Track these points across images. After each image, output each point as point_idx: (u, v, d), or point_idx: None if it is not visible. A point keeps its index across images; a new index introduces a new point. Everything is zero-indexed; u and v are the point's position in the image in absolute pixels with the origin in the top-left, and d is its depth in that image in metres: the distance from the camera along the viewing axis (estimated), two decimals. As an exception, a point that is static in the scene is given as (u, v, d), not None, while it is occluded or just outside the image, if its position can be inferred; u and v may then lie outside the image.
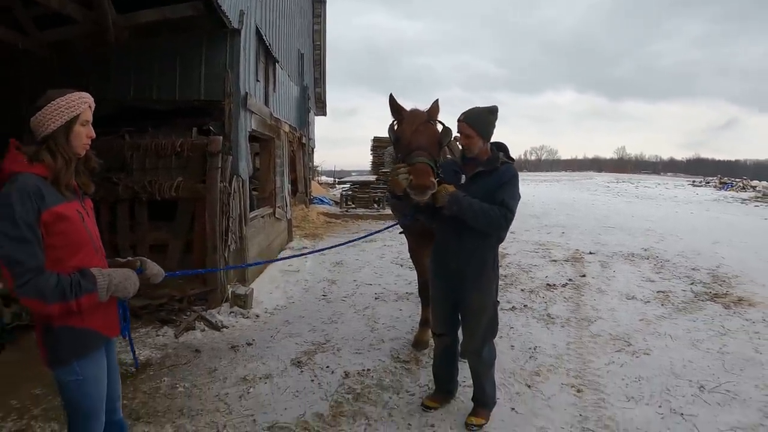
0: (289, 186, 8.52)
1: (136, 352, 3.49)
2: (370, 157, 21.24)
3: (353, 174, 30.54)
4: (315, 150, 12.92)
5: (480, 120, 2.81)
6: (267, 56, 6.33)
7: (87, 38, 4.23)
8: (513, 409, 3.09)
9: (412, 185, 2.65)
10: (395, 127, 3.09)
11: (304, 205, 11.54)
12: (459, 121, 2.82)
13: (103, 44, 4.01)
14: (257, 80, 5.66)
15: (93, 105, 1.79)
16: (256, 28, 5.59)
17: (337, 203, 14.33)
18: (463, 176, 2.85)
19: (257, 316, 4.69)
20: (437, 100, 3.09)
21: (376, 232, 4.13)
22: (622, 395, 3.24)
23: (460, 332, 3.04)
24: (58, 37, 4.58)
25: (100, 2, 3.71)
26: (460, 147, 2.95)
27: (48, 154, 1.66)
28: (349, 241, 4.05)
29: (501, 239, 2.94)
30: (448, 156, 3.56)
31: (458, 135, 2.86)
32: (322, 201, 14.11)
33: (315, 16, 12.24)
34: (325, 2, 12.81)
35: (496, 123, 2.84)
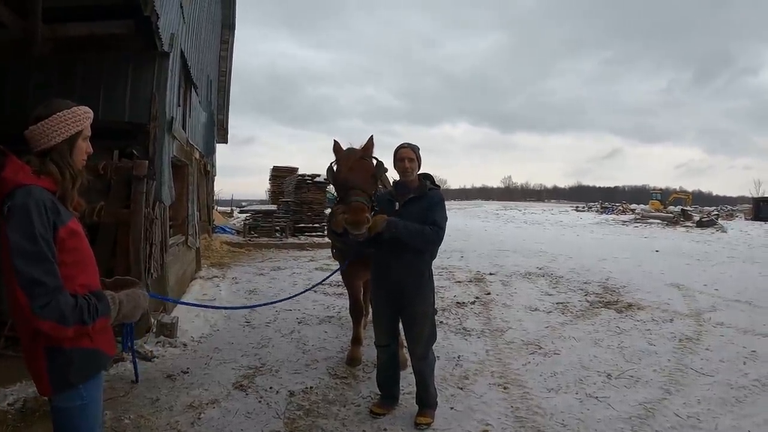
0: (198, 214, 8.25)
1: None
2: (269, 186, 21.12)
3: (244, 204, 29.67)
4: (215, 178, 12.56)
5: (418, 149, 3.28)
6: (187, 81, 6.23)
7: (8, 48, 3.86)
8: (452, 408, 3.42)
9: (348, 221, 2.97)
10: (334, 168, 3.38)
11: (207, 234, 11.11)
12: (403, 147, 3.24)
13: (24, 56, 3.71)
14: (178, 105, 5.56)
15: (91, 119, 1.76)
16: (181, 52, 5.52)
17: (239, 232, 13.96)
18: (397, 204, 3.23)
19: (185, 344, 4.52)
20: (372, 136, 3.44)
21: (328, 277, 4.34)
22: (543, 388, 3.75)
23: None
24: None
25: (34, 10, 3.46)
26: (399, 172, 3.29)
27: (55, 168, 1.60)
28: (310, 288, 4.23)
29: (433, 256, 3.32)
30: (380, 188, 3.89)
31: (401, 160, 3.22)
32: (224, 230, 13.67)
33: (222, 42, 12.14)
34: (234, 29, 12.77)
35: None
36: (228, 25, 12.60)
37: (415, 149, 3.25)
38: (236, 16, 12.96)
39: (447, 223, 3.18)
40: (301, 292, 3.71)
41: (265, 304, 4.50)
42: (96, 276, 1.73)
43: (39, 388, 1.65)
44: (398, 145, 3.29)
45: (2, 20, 3.48)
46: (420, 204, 3.16)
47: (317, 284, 4.37)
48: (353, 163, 3.26)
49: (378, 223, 3.00)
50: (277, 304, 5.99)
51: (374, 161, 3.37)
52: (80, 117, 1.69)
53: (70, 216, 1.63)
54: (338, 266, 4.18)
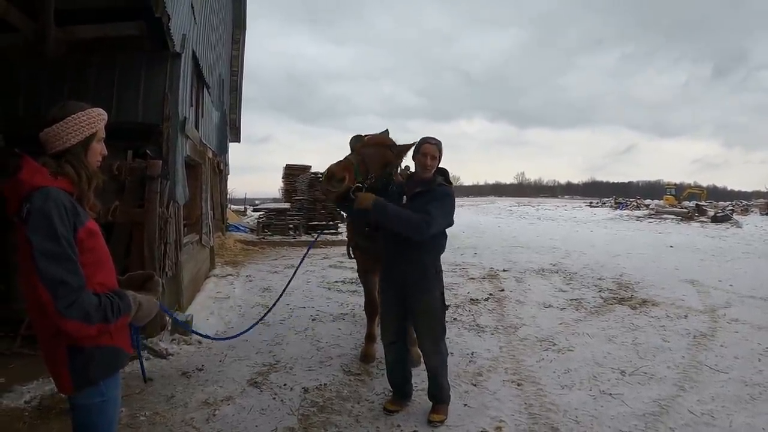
0: (212, 213, 8.33)
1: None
2: (282, 185, 21.20)
3: (257, 202, 29.83)
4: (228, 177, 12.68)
5: (441, 146, 3.20)
6: (199, 80, 6.29)
7: (22, 50, 3.91)
8: (465, 404, 3.42)
9: (326, 171, 3.13)
10: (362, 137, 3.43)
11: (221, 232, 11.22)
12: (429, 143, 3.15)
13: (37, 57, 3.76)
14: (191, 105, 5.62)
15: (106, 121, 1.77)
16: (193, 52, 5.57)
17: (252, 230, 14.07)
18: (405, 197, 3.17)
19: (200, 342, 4.56)
20: (386, 130, 3.45)
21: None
22: (556, 384, 3.74)
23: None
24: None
25: (46, 12, 3.51)
26: (419, 166, 3.18)
27: (71, 169, 1.62)
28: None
29: (440, 251, 3.25)
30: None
31: (424, 155, 3.12)
32: (237, 228, 13.78)
33: (234, 41, 12.24)
34: (245, 29, 12.87)
35: None
36: (239, 25, 12.70)
37: (439, 146, 3.17)
38: (247, 15, 13.07)
39: (455, 220, 3.12)
40: None
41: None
42: (113, 275, 1.75)
43: (60, 386, 1.68)
44: (423, 137, 3.20)
45: (12, 22, 3.52)
46: (424, 199, 3.07)
47: None
48: (371, 142, 3.32)
49: (366, 200, 3.00)
50: (292, 304, 6.06)
51: (401, 162, 3.37)
52: (94, 119, 1.70)
53: (88, 216, 1.65)
54: (353, 265, 4.18)
